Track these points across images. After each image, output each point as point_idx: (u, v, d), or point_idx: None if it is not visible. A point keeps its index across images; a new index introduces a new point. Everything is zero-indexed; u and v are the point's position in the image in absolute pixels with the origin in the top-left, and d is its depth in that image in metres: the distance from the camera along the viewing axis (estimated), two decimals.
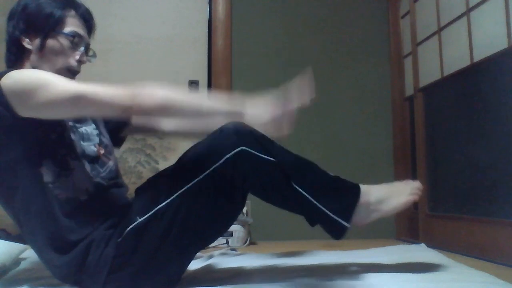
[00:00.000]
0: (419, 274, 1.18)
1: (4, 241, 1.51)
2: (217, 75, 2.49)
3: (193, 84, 2.54)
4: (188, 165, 1.09)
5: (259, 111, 1.08)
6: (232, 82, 2.49)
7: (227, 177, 1.05)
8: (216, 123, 1.10)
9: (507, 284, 1.11)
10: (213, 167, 1.05)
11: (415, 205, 2.43)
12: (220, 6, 2.53)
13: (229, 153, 1.05)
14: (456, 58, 1.98)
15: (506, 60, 1.66)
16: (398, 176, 2.55)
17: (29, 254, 1.52)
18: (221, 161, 1.04)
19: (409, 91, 2.49)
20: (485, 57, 1.77)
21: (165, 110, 1.03)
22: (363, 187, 1.13)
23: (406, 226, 2.48)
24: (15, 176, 1.05)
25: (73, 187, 1.07)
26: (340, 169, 2.47)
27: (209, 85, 2.52)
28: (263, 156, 1.06)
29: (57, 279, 1.12)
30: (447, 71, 2.07)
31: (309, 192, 1.08)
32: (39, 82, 0.98)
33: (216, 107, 1.08)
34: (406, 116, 2.54)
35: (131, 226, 1.04)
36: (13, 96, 0.99)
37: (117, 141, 1.39)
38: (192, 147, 1.16)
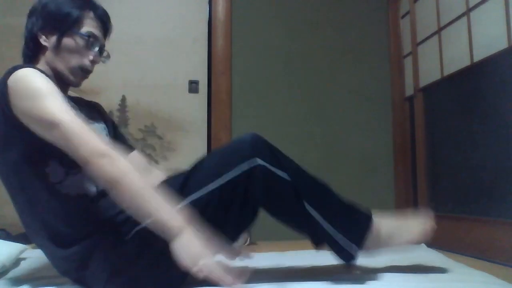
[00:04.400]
0: (419, 274, 1.18)
1: (4, 241, 1.51)
2: (217, 75, 2.49)
3: (193, 84, 2.54)
4: (202, 173, 1.08)
5: (191, 250, 0.94)
6: (232, 82, 2.49)
7: (240, 190, 1.04)
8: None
9: (507, 284, 1.11)
10: (228, 178, 1.04)
11: (415, 205, 2.43)
12: (220, 6, 2.53)
13: (245, 165, 1.05)
14: (456, 58, 1.98)
15: (506, 60, 1.66)
16: (398, 176, 2.55)
17: (29, 254, 1.52)
18: (236, 173, 1.04)
19: (409, 91, 2.49)
20: (485, 57, 1.77)
21: (112, 189, 0.96)
22: (376, 216, 1.13)
23: None
24: (19, 176, 1.05)
25: (82, 184, 1.07)
26: (340, 169, 2.50)
27: (209, 85, 2.52)
28: (278, 173, 1.06)
29: (60, 273, 1.12)
30: (447, 71, 2.07)
31: (321, 215, 1.07)
32: (36, 91, 0.99)
33: (155, 216, 0.97)
34: (406, 116, 2.54)
35: (139, 228, 1.04)
36: (14, 95, 1.00)
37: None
38: (208, 154, 1.16)
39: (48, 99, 0.99)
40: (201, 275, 0.91)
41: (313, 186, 1.11)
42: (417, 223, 1.17)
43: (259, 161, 1.05)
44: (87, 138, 0.97)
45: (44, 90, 1.00)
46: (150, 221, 0.95)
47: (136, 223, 1.05)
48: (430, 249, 1.66)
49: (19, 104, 0.99)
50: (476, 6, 1.84)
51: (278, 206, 1.10)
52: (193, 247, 0.93)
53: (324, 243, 1.13)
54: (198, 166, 1.11)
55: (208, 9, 2.57)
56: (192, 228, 0.95)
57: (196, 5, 2.59)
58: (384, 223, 1.14)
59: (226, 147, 1.13)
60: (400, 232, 1.15)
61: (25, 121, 1.01)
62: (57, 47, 1.13)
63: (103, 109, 1.36)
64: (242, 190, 1.04)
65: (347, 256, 1.10)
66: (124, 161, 0.97)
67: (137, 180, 0.96)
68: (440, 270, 1.24)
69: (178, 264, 0.93)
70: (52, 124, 0.97)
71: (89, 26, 1.17)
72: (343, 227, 1.09)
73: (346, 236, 1.08)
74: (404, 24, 2.56)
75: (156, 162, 2.48)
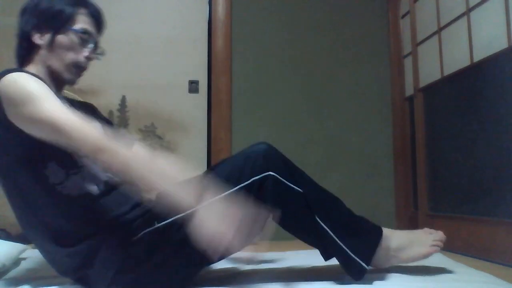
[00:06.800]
0: (419, 274, 1.18)
1: (4, 241, 1.51)
2: (217, 75, 2.49)
3: (193, 84, 2.54)
4: (214, 179, 1.08)
5: (212, 218, 0.93)
6: (232, 82, 2.49)
7: (251, 199, 1.03)
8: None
9: (507, 284, 1.11)
10: (239, 186, 1.04)
11: (415, 205, 2.43)
12: (220, 6, 2.53)
13: (257, 175, 1.05)
14: (456, 58, 1.98)
15: (506, 60, 1.66)
16: (398, 176, 2.55)
17: (29, 254, 1.52)
18: (247, 182, 1.04)
19: (409, 91, 2.49)
20: (485, 57, 1.77)
21: (122, 174, 0.97)
22: (385, 231, 1.14)
23: (406, 226, 2.48)
24: (18, 178, 1.05)
25: (83, 184, 1.07)
26: (340, 169, 2.50)
27: (209, 85, 2.52)
28: (290, 185, 1.06)
29: (60, 273, 1.12)
30: (447, 71, 2.07)
31: (332, 228, 1.08)
32: (30, 95, 0.98)
33: (168, 192, 0.97)
34: (406, 116, 2.54)
35: (147, 230, 1.04)
36: (6, 100, 0.99)
37: None
38: (222, 161, 1.15)
39: (42, 102, 0.98)
40: None
41: (325, 199, 1.11)
42: (427, 240, 1.17)
43: (271, 173, 1.05)
44: (85, 135, 0.96)
45: (37, 93, 0.99)
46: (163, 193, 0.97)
47: (145, 224, 1.05)
48: None
49: (13, 110, 0.99)
50: (476, 6, 1.84)
51: (288, 218, 1.10)
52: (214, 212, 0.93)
53: (333, 256, 1.13)
54: (211, 173, 1.11)
55: (208, 9, 2.58)
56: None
57: (196, 5, 2.60)
58: (393, 237, 1.14)
59: (239, 157, 1.12)
60: (410, 247, 1.15)
61: (21, 125, 1.00)
62: (51, 45, 1.13)
63: (98, 110, 1.34)
64: (252, 200, 1.04)
65: (356, 271, 1.10)
66: (123, 151, 0.96)
67: (142, 163, 0.96)
68: (441, 270, 1.24)
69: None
70: (51, 126, 0.96)
71: (82, 22, 1.16)
72: (353, 242, 1.09)
73: (355, 251, 1.08)
74: (404, 24, 2.56)
75: None
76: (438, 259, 1.43)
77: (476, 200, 1.85)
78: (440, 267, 1.28)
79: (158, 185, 0.96)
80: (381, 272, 1.19)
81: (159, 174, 0.96)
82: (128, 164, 0.95)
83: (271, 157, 1.08)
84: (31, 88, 1.00)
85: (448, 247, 1.89)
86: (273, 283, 1.12)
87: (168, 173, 0.97)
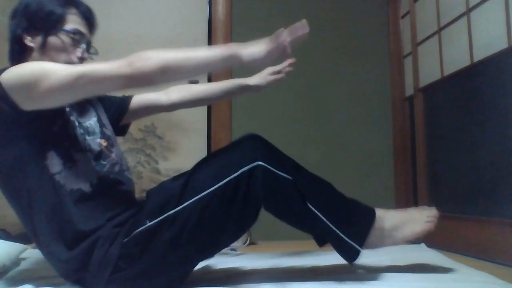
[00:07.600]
0: (419, 274, 1.18)
1: (4, 241, 1.51)
2: (217, 75, 2.49)
3: (193, 84, 2.53)
4: (203, 173, 1.08)
5: (255, 48, 1.11)
6: None
7: (241, 190, 1.04)
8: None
9: (507, 284, 1.11)
10: (228, 178, 1.04)
11: (415, 205, 2.43)
12: (220, 6, 2.53)
13: (246, 166, 1.05)
14: (456, 58, 1.98)
15: (506, 60, 1.66)
16: (398, 176, 2.55)
17: (29, 254, 1.52)
18: (236, 174, 1.04)
19: (409, 91, 2.49)
20: (485, 57, 1.77)
21: (165, 71, 0.99)
22: (378, 212, 1.14)
23: None
24: (22, 170, 1.05)
25: (76, 179, 1.08)
26: (340, 169, 2.50)
27: None
28: (280, 173, 1.06)
29: (60, 276, 1.12)
30: (447, 71, 2.07)
31: (324, 213, 1.08)
32: (39, 72, 0.99)
33: (212, 54, 1.06)
34: (406, 116, 2.54)
35: (139, 229, 1.04)
36: (15, 90, 0.99)
37: (121, 130, 1.41)
38: (209, 156, 1.16)
39: (52, 68, 0.99)
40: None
41: (315, 185, 1.11)
42: (421, 217, 1.17)
43: (260, 163, 1.05)
44: (110, 65, 0.98)
45: (41, 65, 1.01)
46: (215, 61, 1.06)
47: (137, 224, 1.05)
48: (430, 249, 1.66)
49: (28, 94, 0.99)
50: (476, 6, 1.84)
51: (280, 206, 1.10)
52: (256, 43, 1.13)
53: (327, 241, 1.13)
54: (199, 168, 1.11)
55: (208, 9, 2.57)
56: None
57: (196, 5, 2.59)
58: (387, 218, 1.14)
59: (227, 149, 1.13)
60: (404, 226, 1.15)
61: (42, 104, 1.00)
62: (43, 47, 1.13)
63: (94, 98, 1.33)
64: (243, 191, 1.04)
65: (350, 254, 1.10)
66: (149, 51, 1.00)
67: (174, 53, 1.01)
68: (441, 270, 1.24)
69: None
70: (75, 81, 0.97)
71: (73, 23, 1.16)
72: (346, 225, 1.09)
73: (348, 235, 1.08)
74: (404, 24, 2.56)
75: (156, 162, 2.48)
76: (438, 259, 1.43)
77: (476, 200, 1.86)
78: (440, 267, 1.28)
79: (201, 52, 1.04)
80: (381, 272, 1.19)
81: (196, 55, 1.04)
82: (166, 56, 1.00)
83: (258, 147, 1.08)
84: (37, 66, 1.02)
85: (448, 247, 1.90)
86: (272, 283, 1.12)
87: (201, 50, 1.06)
